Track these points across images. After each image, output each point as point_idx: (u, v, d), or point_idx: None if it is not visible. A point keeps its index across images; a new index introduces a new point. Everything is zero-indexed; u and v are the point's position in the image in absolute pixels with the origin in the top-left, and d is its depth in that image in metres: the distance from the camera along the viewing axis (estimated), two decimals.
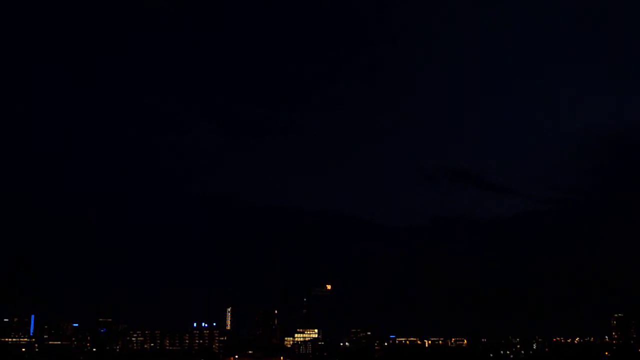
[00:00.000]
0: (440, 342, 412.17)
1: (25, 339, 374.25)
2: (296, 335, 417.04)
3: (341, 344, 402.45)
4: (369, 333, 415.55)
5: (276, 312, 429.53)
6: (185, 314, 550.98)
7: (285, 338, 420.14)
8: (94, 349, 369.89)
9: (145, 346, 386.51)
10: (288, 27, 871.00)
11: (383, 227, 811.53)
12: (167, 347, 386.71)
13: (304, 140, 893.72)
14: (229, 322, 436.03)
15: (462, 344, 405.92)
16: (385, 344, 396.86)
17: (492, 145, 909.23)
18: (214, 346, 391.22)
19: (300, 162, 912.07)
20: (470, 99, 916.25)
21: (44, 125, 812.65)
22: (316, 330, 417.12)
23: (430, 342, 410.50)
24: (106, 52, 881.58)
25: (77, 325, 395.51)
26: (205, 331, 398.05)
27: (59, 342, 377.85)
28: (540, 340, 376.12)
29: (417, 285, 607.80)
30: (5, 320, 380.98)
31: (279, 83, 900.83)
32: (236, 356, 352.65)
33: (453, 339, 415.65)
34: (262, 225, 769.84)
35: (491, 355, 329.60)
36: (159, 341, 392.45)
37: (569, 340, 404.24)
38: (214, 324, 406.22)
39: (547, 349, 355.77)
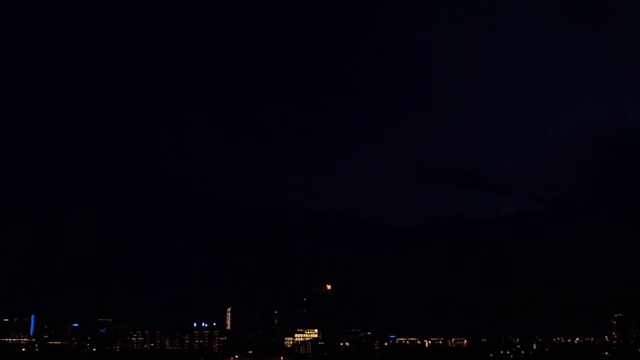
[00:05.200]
0: (440, 342, 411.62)
1: (25, 339, 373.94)
2: (296, 335, 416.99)
3: (341, 344, 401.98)
4: (369, 333, 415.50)
5: (276, 312, 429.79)
6: (185, 314, 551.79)
7: (285, 338, 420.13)
8: (94, 349, 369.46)
9: (145, 346, 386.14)
10: (290, 27, 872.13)
11: (383, 227, 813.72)
12: (167, 347, 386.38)
13: (304, 141, 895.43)
14: (229, 322, 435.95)
15: (462, 344, 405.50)
16: (385, 344, 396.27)
17: (492, 146, 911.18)
18: (214, 346, 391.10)
19: (301, 162, 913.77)
20: (470, 99, 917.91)
21: (44, 124, 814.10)
22: (316, 330, 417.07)
23: (430, 342, 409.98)
24: (107, 53, 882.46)
25: (77, 325, 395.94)
26: (205, 331, 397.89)
27: (59, 342, 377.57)
28: (540, 340, 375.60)
29: (417, 285, 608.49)
30: (5, 320, 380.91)
31: (280, 84, 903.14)
32: (236, 356, 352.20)
33: (453, 339, 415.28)
34: (263, 225, 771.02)
35: (491, 355, 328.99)
36: (159, 341, 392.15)
37: (569, 340, 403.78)
38: (214, 324, 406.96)
39: (547, 349, 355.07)
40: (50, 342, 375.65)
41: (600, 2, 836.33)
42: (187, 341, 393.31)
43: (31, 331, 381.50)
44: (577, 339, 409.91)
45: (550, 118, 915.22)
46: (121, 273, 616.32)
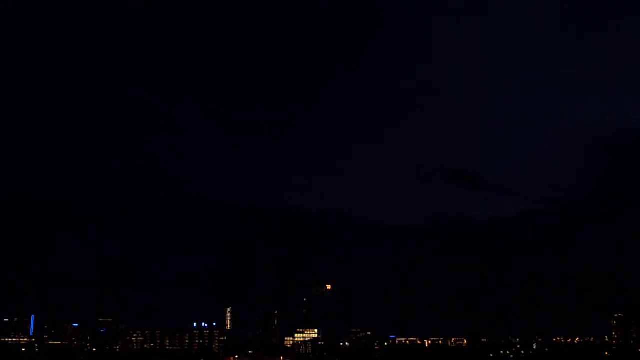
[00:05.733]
0: (440, 342, 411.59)
1: (25, 339, 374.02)
2: (296, 335, 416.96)
3: (341, 344, 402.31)
4: (369, 333, 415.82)
5: (276, 312, 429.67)
6: (185, 314, 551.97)
7: (285, 338, 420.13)
8: (94, 349, 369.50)
9: (145, 346, 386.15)
10: (290, 27, 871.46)
11: (383, 227, 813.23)
12: (167, 347, 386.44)
13: (304, 141, 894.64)
14: (229, 322, 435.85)
15: (462, 344, 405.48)
16: (385, 344, 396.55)
17: (492, 145, 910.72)
18: (214, 346, 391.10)
19: (300, 162, 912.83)
20: (470, 99, 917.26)
21: (44, 124, 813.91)
22: (316, 330, 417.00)
23: (430, 342, 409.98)
24: (106, 52, 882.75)
25: (77, 325, 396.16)
26: (205, 331, 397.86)
27: (59, 342, 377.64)
28: (540, 340, 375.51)
29: (417, 285, 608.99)
30: (5, 320, 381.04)
31: (280, 84, 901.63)
32: (236, 356, 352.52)
33: (453, 339, 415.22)
34: (262, 225, 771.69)
35: (491, 355, 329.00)
36: (159, 341, 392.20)
37: (569, 340, 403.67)
38: (214, 324, 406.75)
39: (547, 349, 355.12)
40: (50, 342, 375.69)
41: (601, 2, 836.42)
42: (187, 341, 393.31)
43: (31, 331, 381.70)
44: (577, 339, 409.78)
45: (550, 118, 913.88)
46: (121, 273, 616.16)
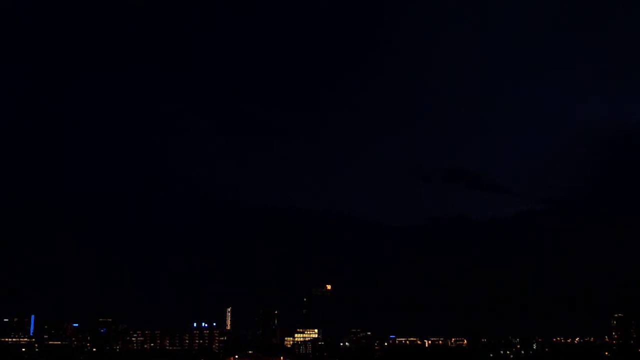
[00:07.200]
0: (440, 342, 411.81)
1: (25, 339, 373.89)
2: (296, 335, 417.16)
3: (341, 344, 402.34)
4: (369, 333, 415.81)
5: (276, 312, 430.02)
6: (185, 314, 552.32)
7: (285, 338, 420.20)
8: (94, 349, 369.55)
9: (145, 346, 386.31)
10: (290, 28, 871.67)
11: (383, 227, 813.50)
12: (167, 347, 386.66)
13: (304, 141, 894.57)
14: (229, 322, 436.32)
15: (462, 344, 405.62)
16: (385, 344, 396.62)
17: (492, 146, 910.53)
18: (214, 346, 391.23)
19: (300, 162, 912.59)
20: (470, 99, 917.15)
21: (44, 124, 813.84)
22: (316, 330, 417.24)
23: (430, 342, 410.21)
24: (106, 52, 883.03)
25: (77, 325, 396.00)
26: (205, 331, 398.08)
27: (59, 342, 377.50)
28: (540, 340, 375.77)
29: (417, 285, 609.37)
30: (5, 320, 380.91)
31: (279, 84, 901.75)
32: (236, 356, 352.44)
33: (453, 339, 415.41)
34: (263, 226, 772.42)
35: (491, 355, 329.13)
36: (159, 341, 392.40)
37: (569, 340, 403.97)
38: (214, 324, 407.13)
39: (547, 349, 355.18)
40: (50, 342, 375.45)
41: (601, 2, 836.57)
42: (187, 341, 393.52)
43: (31, 331, 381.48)
44: (577, 339, 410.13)
45: (550, 118, 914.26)
46: (121, 273, 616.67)
